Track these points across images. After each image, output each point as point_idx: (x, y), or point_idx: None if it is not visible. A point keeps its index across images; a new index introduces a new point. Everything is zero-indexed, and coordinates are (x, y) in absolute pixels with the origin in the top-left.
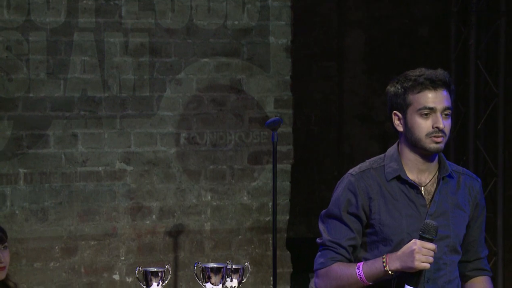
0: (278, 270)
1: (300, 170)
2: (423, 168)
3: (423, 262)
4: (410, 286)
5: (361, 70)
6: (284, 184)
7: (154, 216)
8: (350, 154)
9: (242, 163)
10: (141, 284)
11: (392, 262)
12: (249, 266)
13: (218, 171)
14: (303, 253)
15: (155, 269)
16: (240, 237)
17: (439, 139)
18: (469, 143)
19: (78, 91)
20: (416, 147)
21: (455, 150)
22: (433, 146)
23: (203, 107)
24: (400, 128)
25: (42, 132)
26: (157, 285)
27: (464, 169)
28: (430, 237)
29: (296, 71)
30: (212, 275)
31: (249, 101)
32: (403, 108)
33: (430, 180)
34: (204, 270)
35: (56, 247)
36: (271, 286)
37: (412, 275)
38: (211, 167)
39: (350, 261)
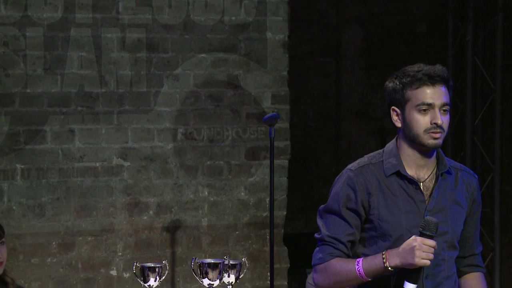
0: (275, 266)
1: (298, 166)
2: (422, 164)
3: (424, 259)
4: (410, 282)
5: (359, 67)
6: (282, 180)
7: (151, 212)
8: (348, 150)
9: (239, 158)
10: (138, 279)
11: (392, 259)
12: (246, 262)
13: (215, 166)
14: (301, 248)
15: (153, 265)
16: (237, 232)
17: (437, 135)
18: (466, 139)
19: (75, 87)
20: (415, 142)
21: (453, 145)
22: (431, 142)
23: (200, 102)
24: (399, 124)
25: (39, 128)
26: (155, 281)
27: (462, 165)
28: (431, 234)
29: (294, 67)
30: (209, 270)
31: (246, 97)
32: (402, 103)
33: (429, 176)
34: (201, 265)
35: (53, 243)
36: (268, 282)
37: (412, 271)
38: (208, 162)
39: (348, 256)
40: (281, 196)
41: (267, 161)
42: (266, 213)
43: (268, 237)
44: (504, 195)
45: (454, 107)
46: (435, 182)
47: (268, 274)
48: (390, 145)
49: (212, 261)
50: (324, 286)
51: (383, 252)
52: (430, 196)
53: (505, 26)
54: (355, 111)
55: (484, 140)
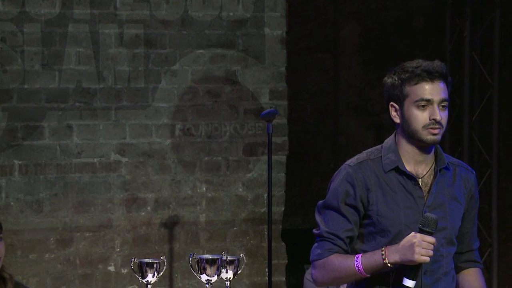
0: (273, 262)
1: (296, 162)
2: (420, 159)
3: (423, 255)
4: (409, 279)
5: (356, 62)
6: (279, 176)
7: (149, 208)
8: (346, 145)
9: (237, 154)
10: (136, 275)
11: (392, 255)
12: (244, 258)
13: (213, 162)
14: (299, 244)
15: (150, 261)
16: (235, 228)
17: (436, 131)
18: (464, 135)
19: (73, 83)
20: (413, 138)
21: (450, 141)
22: (430, 137)
23: (198, 98)
24: (397, 120)
25: (37, 124)
26: (152, 277)
27: (460, 161)
28: (430, 231)
29: (292, 63)
30: (207, 266)
31: (244, 93)
32: (400, 99)
33: (427, 172)
34: (199, 261)
35: (51, 239)
36: (266, 278)
37: (411, 268)
38: (206, 158)
39: (347, 252)
40: (279, 192)
41: (265, 157)
42: (264, 209)
43: (266, 233)
44: (502, 191)
45: (451, 103)
46: (433, 178)
47: (266, 270)
48: (389, 141)
49: (210, 257)
50: (323, 282)
51: (383, 249)
52: (428, 192)
53: (502, 22)
54: (353, 107)
55: (482, 136)
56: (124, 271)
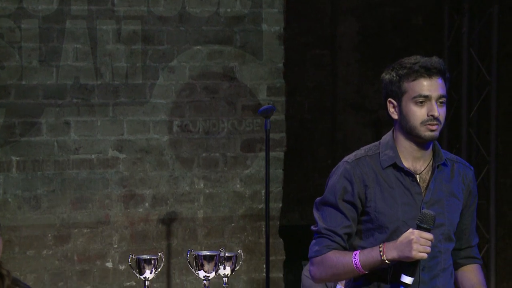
0: (271, 258)
1: (293, 158)
2: (418, 156)
3: (421, 252)
4: (407, 275)
5: (354, 58)
6: (277, 172)
7: (147, 204)
8: (344, 142)
9: (235, 150)
10: (134, 271)
11: (389, 252)
12: (242, 254)
13: (211, 158)
14: (296, 240)
15: (148, 257)
16: (233, 224)
17: (434, 127)
18: (462, 131)
19: (71, 79)
20: (411, 135)
21: (448, 137)
22: (428, 134)
23: (196, 94)
24: (395, 116)
25: (35, 120)
26: (150, 273)
27: (458, 157)
28: (428, 227)
29: (290, 59)
30: (205, 262)
31: (242, 89)
32: (398, 95)
33: (425, 168)
34: (197, 257)
35: (49, 235)
36: (264, 274)
37: (409, 264)
38: (204, 154)
39: (345, 249)
40: (276, 188)
41: (263, 153)
42: (262, 205)
43: (263, 229)
44: (500, 187)
45: (449, 99)
46: (431, 174)
47: (264, 266)
48: (387, 137)
49: (208, 253)
50: (321, 278)
51: (380, 245)
52: (426, 188)
53: (500, 18)
54: (350, 103)
55: (480, 132)
56: (122, 267)
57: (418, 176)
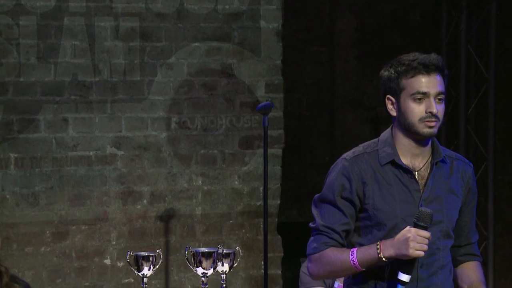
0: (269, 255)
1: (292, 155)
2: (417, 152)
3: (418, 250)
4: (404, 273)
5: (352, 55)
6: (275, 169)
7: (145, 201)
8: (342, 139)
9: (233, 147)
10: (132, 268)
11: (386, 249)
12: (240, 251)
13: (209, 155)
14: (294, 237)
15: (146, 254)
16: (231, 221)
17: (432, 124)
18: (460, 128)
19: (69, 76)
20: (410, 131)
21: (446, 134)
22: (426, 130)
23: (194, 91)
24: (394, 113)
25: (33, 117)
26: (148, 270)
27: (457, 154)
28: (425, 225)
29: (288, 56)
30: (203, 259)
31: (240, 86)
32: (397, 92)
33: (424, 165)
34: (195, 254)
35: (47, 232)
36: (262, 271)
37: (406, 262)
38: (202, 151)
39: (343, 246)
40: (274, 185)
41: (261, 150)
42: (260, 202)
43: (262, 226)
44: (498, 183)
45: (447, 96)
46: (430, 171)
47: (262, 263)
48: (385, 134)
49: (206, 250)
50: (319, 275)
51: (378, 243)
52: (425, 185)
53: (498, 15)
54: (349, 100)
55: (478, 129)
56: (120, 264)
57: (416, 173)
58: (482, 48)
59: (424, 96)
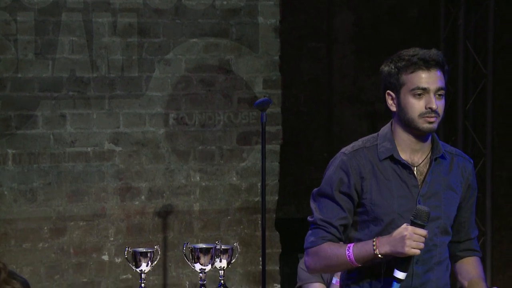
0: (267, 251)
1: (290, 151)
2: (416, 148)
3: (414, 248)
4: (400, 271)
5: (350, 51)
6: (273, 165)
7: (143, 197)
8: (340, 134)
9: (231, 143)
10: (130, 264)
11: (382, 246)
12: (238, 247)
13: (207, 151)
14: (292, 233)
15: (144, 250)
16: (229, 217)
17: (432, 119)
18: (458, 124)
19: (67, 72)
20: (409, 127)
21: (444, 130)
22: (426, 126)
23: (192, 87)
24: (393, 108)
25: (31, 113)
26: (146, 266)
27: (457, 150)
28: (422, 223)
29: (286, 52)
30: (201, 255)
31: (238, 82)
32: (397, 88)
33: (423, 161)
34: (193, 250)
35: (45, 228)
36: (260, 267)
37: (402, 260)
38: (200, 147)
39: (341, 240)
40: (272, 181)
41: (259, 146)
42: (258, 198)
43: (260, 222)
44: (496, 179)
45: (446, 92)
46: (429, 166)
47: (260, 259)
48: (385, 129)
49: (204, 246)
50: (316, 269)
51: (374, 239)
52: (423, 181)
53: (496, 11)
54: (347, 96)
55: (476, 125)
56: (118, 260)
57: (415, 168)
58: (480, 44)
59: (424, 92)
